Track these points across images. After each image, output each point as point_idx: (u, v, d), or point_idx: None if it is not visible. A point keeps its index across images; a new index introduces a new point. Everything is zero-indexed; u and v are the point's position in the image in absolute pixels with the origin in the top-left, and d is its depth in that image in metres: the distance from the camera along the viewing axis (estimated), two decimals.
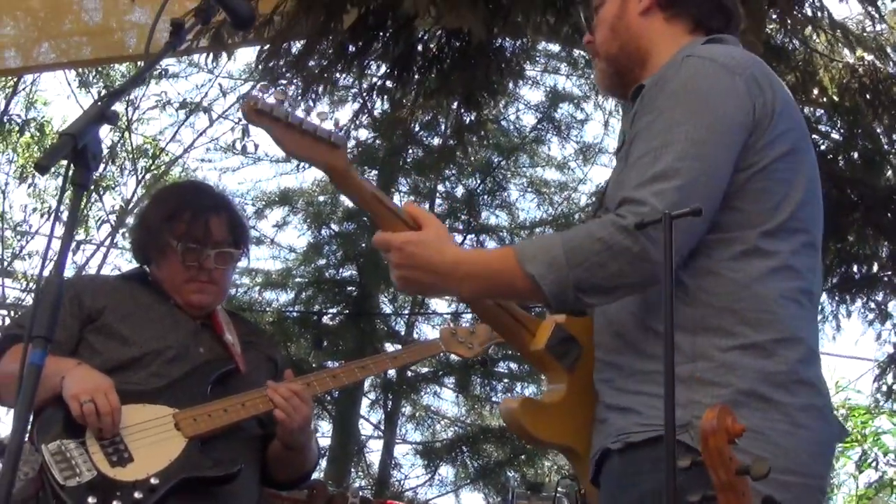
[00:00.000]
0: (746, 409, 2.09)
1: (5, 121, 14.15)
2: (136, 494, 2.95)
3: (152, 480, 3.00)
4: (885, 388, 8.67)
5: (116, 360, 3.22)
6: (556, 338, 2.44)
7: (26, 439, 2.95)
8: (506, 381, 12.98)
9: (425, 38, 6.48)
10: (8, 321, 13.63)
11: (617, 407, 2.32)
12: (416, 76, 6.64)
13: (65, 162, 2.03)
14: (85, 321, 3.29)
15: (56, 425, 3.04)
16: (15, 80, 13.16)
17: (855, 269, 7.74)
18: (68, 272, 2.19)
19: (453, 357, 14.01)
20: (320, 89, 6.78)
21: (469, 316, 12.96)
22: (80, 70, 13.20)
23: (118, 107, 2.21)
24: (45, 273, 2.01)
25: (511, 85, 8.35)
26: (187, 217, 3.36)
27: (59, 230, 2.01)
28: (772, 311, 2.23)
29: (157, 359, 3.24)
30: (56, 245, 2.03)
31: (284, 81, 7.03)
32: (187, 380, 3.23)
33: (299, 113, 2.31)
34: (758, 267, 2.24)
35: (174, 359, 3.26)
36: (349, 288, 12.41)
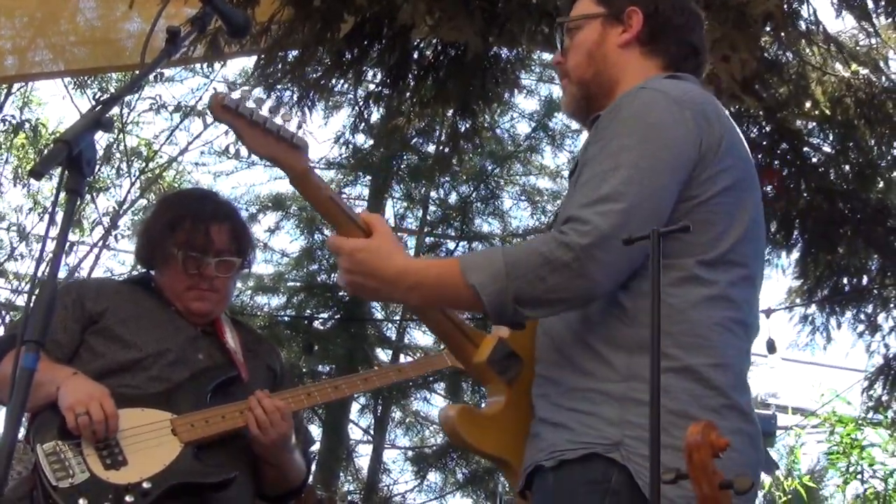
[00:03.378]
0: (677, 430, 2.09)
1: (0, 121, 14.14)
2: (128, 498, 2.95)
3: (145, 485, 2.99)
4: (873, 399, 8.70)
5: (117, 362, 3.22)
6: (499, 353, 2.49)
7: (21, 440, 2.97)
8: None
9: (421, 46, 6.50)
10: None
11: (550, 422, 2.36)
12: (412, 84, 6.66)
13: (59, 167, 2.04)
14: (86, 324, 3.29)
15: (52, 428, 3.04)
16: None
17: (845, 281, 7.76)
18: (60, 274, 2.21)
19: None
20: (316, 96, 6.80)
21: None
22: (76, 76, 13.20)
23: (112, 109, 2.23)
24: (39, 276, 2.03)
25: (506, 93, 8.37)
26: (188, 225, 3.37)
27: (54, 232, 2.03)
28: (706, 337, 2.29)
29: (157, 362, 3.24)
30: (49, 247, 2.05)
31: (281, 87, 7.05)
32: (187, 385, 3.24)
33: (264, 112, 2.34)
34: (695, 294, 2.30)
35: (174, 363, 3.26)
36: (341, 293, 12.41)
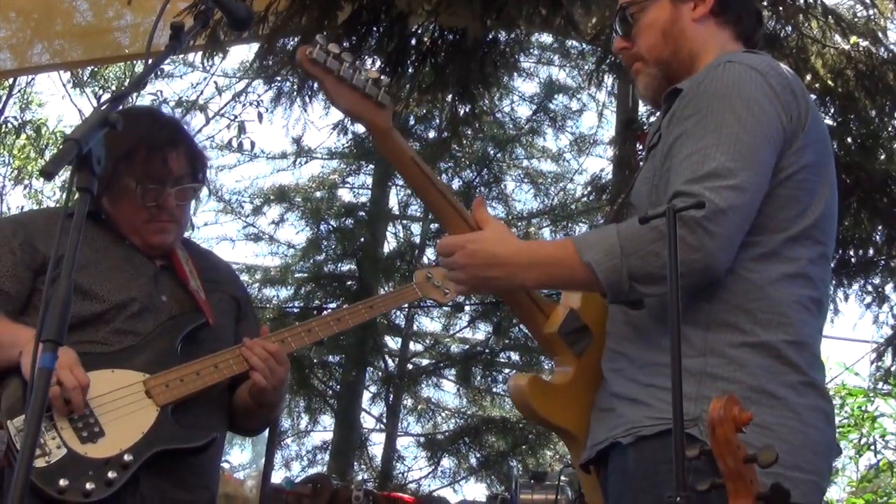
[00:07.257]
0: (756, 406, 2.13)
1: (1, 123, 14.14)
2: (110, 474, 2.80)
3: (125, 457, 2.84)
4: (882, 370, 8.72)
5: (78, 315, 2.93)
6: (569, 324, 2.50)
7: None
8: (507, 371, 13.02)
9: (419, 31, 6.49)
10: None
11: (626, 397, 2.35)
12: (411, 70, 6.65)
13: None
14: (39, 270, 3.05)
15: (19, 399, 2.85)
16: (11, 81, 13.16)
17: (851, 252, 7.76)
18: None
19: (454, 349, 14.06)
20: (315, 85, 6.79)
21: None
22: (74, 71, 13.20)
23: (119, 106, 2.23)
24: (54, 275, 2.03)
25: (505, 77, 8.36)
26: (143, 155, 3.10)
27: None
28: (784, 314, 2.29)
29: (120, 313, 3.04)
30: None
31: (280, 78, 7.05)
32: (155, 337, 3.06)
33: (350, 68, 2.34)
34: (775, 271, 2.30)
35: (139, 312, 3.06)
36: (348, 282, 12.44)
